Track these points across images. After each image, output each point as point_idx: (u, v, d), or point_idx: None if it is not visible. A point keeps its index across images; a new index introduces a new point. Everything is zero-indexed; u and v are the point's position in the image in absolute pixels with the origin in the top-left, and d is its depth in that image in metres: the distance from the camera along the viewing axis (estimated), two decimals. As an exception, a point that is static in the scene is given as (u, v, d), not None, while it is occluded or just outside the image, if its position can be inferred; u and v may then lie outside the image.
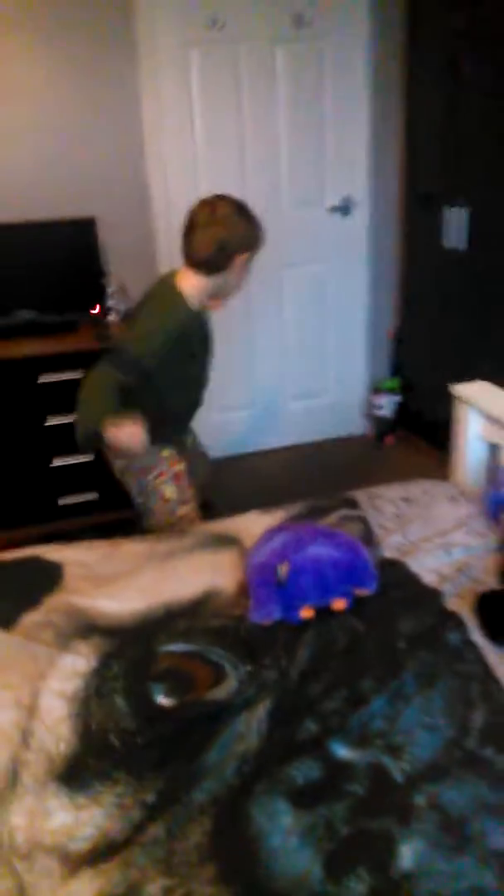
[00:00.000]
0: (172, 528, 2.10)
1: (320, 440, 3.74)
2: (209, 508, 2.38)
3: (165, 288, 1.98)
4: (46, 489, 2.88)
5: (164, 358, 1.88)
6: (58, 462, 2.84)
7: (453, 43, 2.94)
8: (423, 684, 1.31)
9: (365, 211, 3.45)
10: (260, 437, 3.65)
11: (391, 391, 3.67)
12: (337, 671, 1.35)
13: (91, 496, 2.92)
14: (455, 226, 3.08)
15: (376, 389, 3.70)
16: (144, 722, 1.24)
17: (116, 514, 2.81)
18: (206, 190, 2.01)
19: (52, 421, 2.78)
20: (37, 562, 1.71)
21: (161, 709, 1.27)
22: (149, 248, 3.14)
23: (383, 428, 3.70)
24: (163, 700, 1.29)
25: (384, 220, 3.51)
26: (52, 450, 2.82)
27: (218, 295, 2.02)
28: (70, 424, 2.73)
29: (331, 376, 3.71)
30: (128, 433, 1.83)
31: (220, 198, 1.89)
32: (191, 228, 1.88)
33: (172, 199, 3.06)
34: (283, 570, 1.48)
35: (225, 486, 3.01)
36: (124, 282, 2.98)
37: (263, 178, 3.26)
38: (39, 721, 1.24)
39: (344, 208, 3.41)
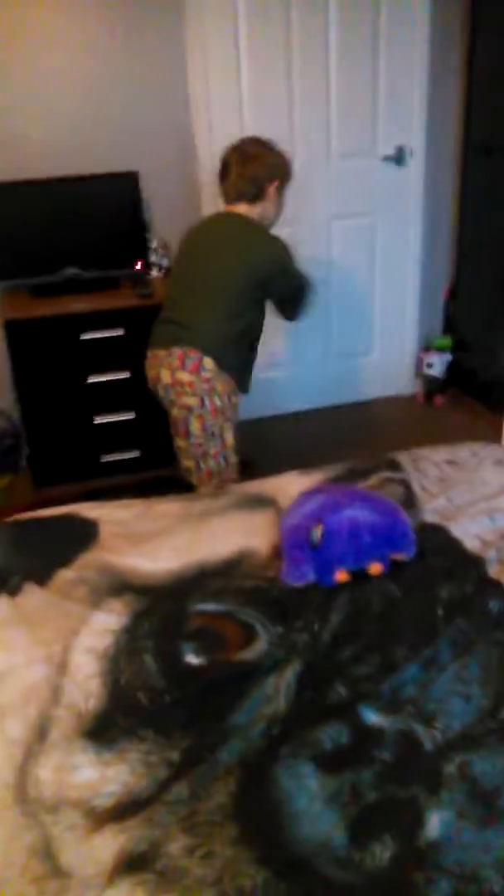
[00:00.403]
0: (222, 474, 2.16)
1: (367, 400, 3.66)
2: (248, 467, 2.36)
3: (238, 223, 2.17)
4: (89, 446, 2.90)
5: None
6: (100, 419, 2.85)
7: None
8: (460, 652, 1.27)
9: (420, 161, 3.30)
10: (303, 396, 3.58)
11: (443, 349, 3.55)
12: (370, 636, 1.32)
13: (133, 454, 2.93)
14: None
15: (427, 347, 3.59)
16: (173, 681, 1.24)
17: (159, 471, 2.82)
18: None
19: (94, 378, 2.77)
20: (73, 519, 1.71)
21: (190, 668, 1.27)
22: (193, 202, 3.07)
23: (433, 387, 3.59)
24: (193, 659, 1.28)
25: (440, 171, 3.35)
26: (94, 407, 2.83)
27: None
28: (111, 381, 2.77)
29: (379, 333, 3.60)
30: None
31: (246, 138, 2.20)
32: (226, 169, 2.17)
33: (217, 153, 2.97)
34: (317, 532, 1.44)
35: (265, 446, 2.99)
36: (167, 237, 2.93)
37: (313, 125, 3.12)
38: (70, 677, 1.25)
39: (398, 158, 3.27)
